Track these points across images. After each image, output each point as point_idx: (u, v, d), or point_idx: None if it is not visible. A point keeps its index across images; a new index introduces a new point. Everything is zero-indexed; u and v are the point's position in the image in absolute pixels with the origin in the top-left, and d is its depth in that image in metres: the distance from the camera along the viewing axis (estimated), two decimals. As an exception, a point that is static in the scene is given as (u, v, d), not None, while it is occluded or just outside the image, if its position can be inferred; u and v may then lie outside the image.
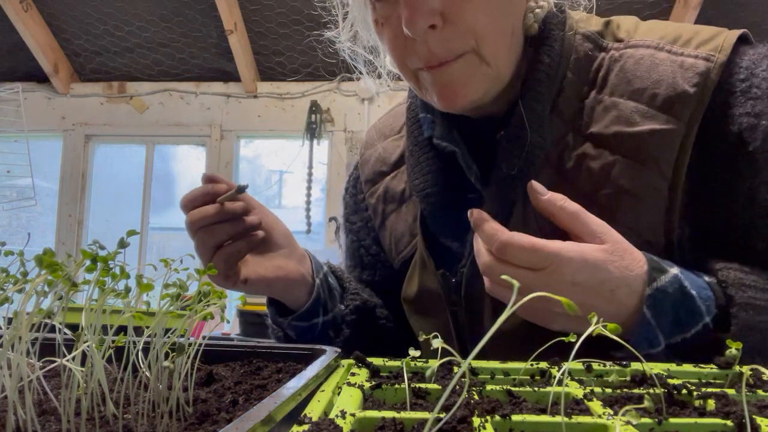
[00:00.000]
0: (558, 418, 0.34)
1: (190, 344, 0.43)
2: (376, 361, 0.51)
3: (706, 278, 0.62)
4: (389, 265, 0.91)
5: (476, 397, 0.40)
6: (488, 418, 0.35)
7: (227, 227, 0.71)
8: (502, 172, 0.72)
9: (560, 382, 0.43)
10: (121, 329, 0.43)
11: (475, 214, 0.64)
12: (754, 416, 0.34)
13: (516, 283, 0.29)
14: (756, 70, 0.66)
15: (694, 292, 0.59)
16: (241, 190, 0.71)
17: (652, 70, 0.68)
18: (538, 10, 0.73)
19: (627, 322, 0.59)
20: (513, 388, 0.42)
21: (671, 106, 0.66)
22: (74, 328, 0.42)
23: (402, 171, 0.88)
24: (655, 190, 0.66)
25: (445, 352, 0.36)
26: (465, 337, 0.79)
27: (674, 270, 0.60)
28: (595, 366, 0.50)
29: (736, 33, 0.68)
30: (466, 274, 0.75)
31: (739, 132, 0.65)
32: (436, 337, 0.40)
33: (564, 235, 0.63)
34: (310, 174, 3.88)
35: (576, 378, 0.47)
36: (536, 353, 0.50)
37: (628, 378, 0.47)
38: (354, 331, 0.85)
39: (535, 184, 0.64)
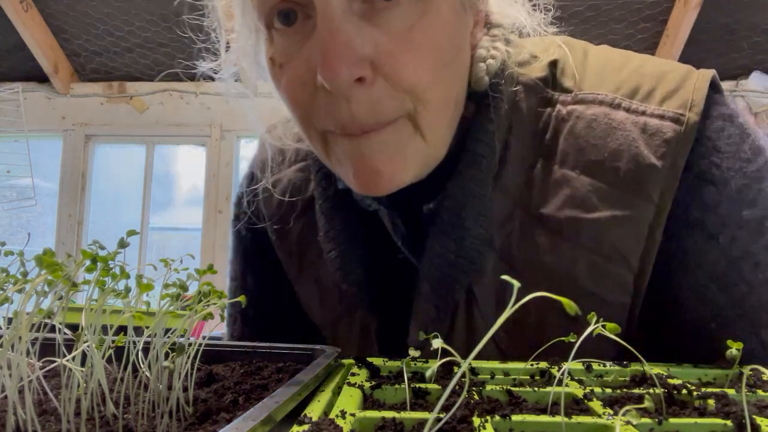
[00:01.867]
0: (558, 418, 0.34)
1: (190, 344, 0.43)
2: (376, 361, 0.51)
3: None
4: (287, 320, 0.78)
5: (476, 397, 0.40)
6: (488, 418, 0.35)
7: None
8: (438, 257, 0.60)
9: (560, 382, 0.43)
10: (121, 329, 0.43)
11: None
12: (754, 416, 0.34)
13: (516, 283, 0.29)
14: (719, 143, 0.57)
15: None
16: None
17: (608, 137, 0.57)
18: (491, 61, 0.59)
19: None
20: (513, 388, 0.42)
21: (635, 184, 0.55)
22: (74, 328, 0.42)
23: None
24: (621, 286, 0.57)
25: (445, 352, 0.36)
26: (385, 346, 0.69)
27: None
28: (595, 366, 0.50)
29: (706, 79, 0.57)
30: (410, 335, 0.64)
31: (698, 219, 0.57)
32: (436, 337, 0.40)
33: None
34: (310, 174, 3.88)
35: (576, 378, 0.47)
36: (536, 353, 0.50)
37: (628, 378, 0.47)
38: None
39: None
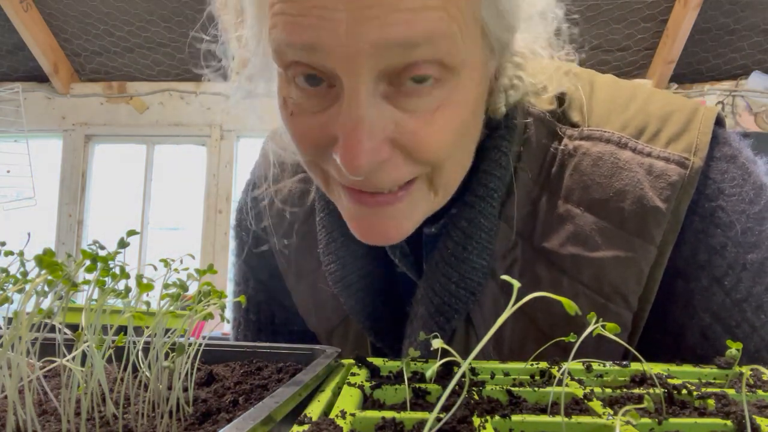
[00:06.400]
0: (558, 418, 0.34)
1: (190, 344, 0.43)
2: (376, 361, 0.51)
3: None
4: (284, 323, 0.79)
5: (476, 397, 0.40)
6: (488, 418, 0.35)
7: None
8: (438, 284, 0.60)
9: (560, 382, 0.43)
10: (121, 329, 0.43)
11: None
12: (754, 416, 0.34)
13: (516, 283, 0.29)
14: (723, 186, 0.57)
15: None
16: None
17: (614, 176, 0.57)
18: (512, 92, 0.58)
19: None
20: (513, 388, 0.42)
21: (639, 225, 0.55)
22: (74, 328, 0.42)
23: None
24: (620, 325, 0.52)
25: (445, 353, 0.36)
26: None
27: None
28: (595, 366, 0.50)
29: (710, 121, 0.57)
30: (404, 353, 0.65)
31: (705, 261, 0.57)
32: (436, 337, 0.40)
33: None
34: (310, 174, 3.88)
35: (576, 378, 0.47)
36: (536, 353, 0.50)
37: (628, 378, 0.47)
38: None
39: None
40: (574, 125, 0.61)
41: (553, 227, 0.59)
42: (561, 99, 0.62)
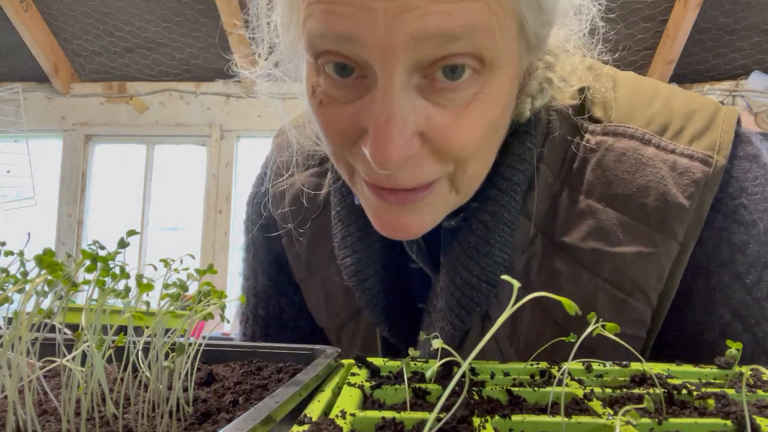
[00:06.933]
0: (558, 418, 0.34)
1: (190, 344, 0.43)
2: (376, 361, 0.51)
3: None
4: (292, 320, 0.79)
5: (476, 397, 0.40)
6: (488, 418, 0.35)
7: None
8: (460, 278, 0.60)
9: (560, 382, 0.43)
10: (121, 329, 0.43)
11: None
12: (754, 416, 0.34)
13: (516, 283, 0.29)
14: (746, 185, 0.58)
15: None
16: None
17: (637, 172, 0.57)
18: (539, 97, 0.58)
19: None
20: (513, 388, 0.42)
21: (662, 221, 0.55)
22: (74, 328, 0.42)
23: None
24: (639, 321, 0.58)
25: (445, 353, 0.36)
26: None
27: None
28: (595, 366, 0.49)
29: (733, 120, 0.57)
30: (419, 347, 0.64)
31: (727, 259, 0.57)
32: (436, 337, 0.40)
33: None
34: (310, 174, 3.88)
35: (576, 378, 0.47)
36: (536, 353, 0.50)
37: (628, 378, 0.47)
38: None
39: None
40: (596, 120, 0.61)
41: (573, 222, 0.59)
42: (583, 94, 0.62)
